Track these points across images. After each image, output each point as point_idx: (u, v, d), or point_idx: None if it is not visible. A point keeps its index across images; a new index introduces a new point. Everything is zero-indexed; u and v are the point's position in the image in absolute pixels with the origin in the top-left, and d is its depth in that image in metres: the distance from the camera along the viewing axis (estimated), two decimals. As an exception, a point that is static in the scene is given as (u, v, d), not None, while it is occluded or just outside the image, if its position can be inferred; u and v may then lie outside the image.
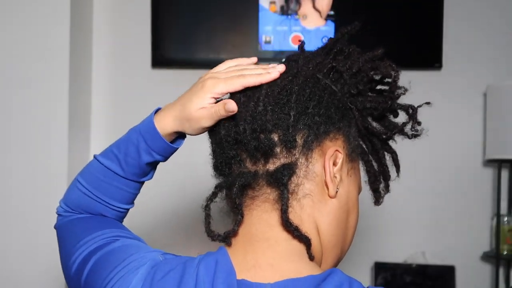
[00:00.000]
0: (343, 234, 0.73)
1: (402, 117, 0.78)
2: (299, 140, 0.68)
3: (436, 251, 2.15)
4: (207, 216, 0.72)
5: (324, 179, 0.69)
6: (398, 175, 0.80)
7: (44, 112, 2.00)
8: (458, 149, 2.16)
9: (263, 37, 2.17)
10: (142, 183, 0.88)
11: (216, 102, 0.74)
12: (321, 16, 2.14)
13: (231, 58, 0.86)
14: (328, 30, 2.15)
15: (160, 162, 0.84)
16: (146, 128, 0.79)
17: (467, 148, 2.16)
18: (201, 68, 2.29)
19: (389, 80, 0.74)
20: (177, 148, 0.82)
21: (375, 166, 0.80)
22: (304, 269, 0.66)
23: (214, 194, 0.72)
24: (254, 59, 0.81)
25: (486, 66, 2.19)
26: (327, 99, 0.70)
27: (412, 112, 0.75)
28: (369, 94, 0.75)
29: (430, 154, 2.16)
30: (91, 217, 0.86)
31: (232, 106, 0.69)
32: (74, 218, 0.86)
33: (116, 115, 2.25)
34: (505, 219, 2.07)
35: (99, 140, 2.25)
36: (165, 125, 0.78)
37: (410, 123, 0.76)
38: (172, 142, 0.81)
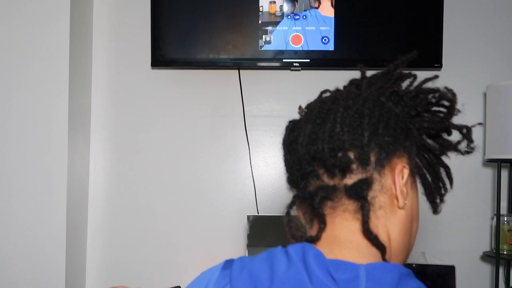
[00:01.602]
0: (408, 240, 0.82)
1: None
2: (372, 158, 0.75)
3: (436, 251, 2.15)
4: (289, 222, 0.80)
5: (394, 193, 0.77)
6: (451, 187, 0.89)
7: (44, 112, 2.00)
8: (458, 149, 2.15)
9: (263, 37, 2.17)
10: None
11: None
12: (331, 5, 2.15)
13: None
14: (328, 30, 2.15)
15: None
16: None
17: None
18: (201, 68, 2.29)
19: (446, 103, 0.83)
20: None
21: (429, 179, 0.88)
22: None
23: (292, 203, 0.80)
24: None
25: (486, 66, 2.19)
26: (393, 121, 0.78)
27: (466, 132, 0.85)
28: (425, 115, 0.84)
29: (430, 154, 2.16)
30: None
31: None
32: None
33: (116, 115, 2.25)
34: (505, 219, 2.07)
35: (99, 140, 2.25)
36: None
37: (465, 141, 0.85)
38: None
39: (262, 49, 2.17)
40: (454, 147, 0.85)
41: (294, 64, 2.17)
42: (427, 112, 0.84)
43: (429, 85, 0.84)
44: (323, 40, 2.16)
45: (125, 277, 2.22)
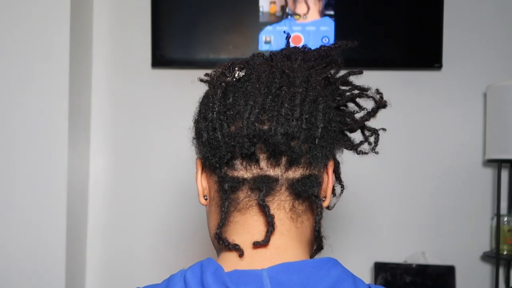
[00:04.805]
0: None
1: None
2: (319, 153, 0.67)
3: (436, 251, 2.15)
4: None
5: (326, 191, 0.71)
6: (340, 183, 0.83)
7: (44, 112, 2.00)
8: (458, 149, 2.16)
9: (263, 37, 2.17)
10: None
11: None
12: (318, 13, 2.15)
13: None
14: (328, 30, 2.15)
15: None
16: None
17: (467, 148, 2.16)
18: (201, 68, 2.29)
19: (370, 107, 0.79)
20: None
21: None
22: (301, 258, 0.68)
23: (229, 193, 0.70)
24: None
25: (486, 66, 2.19)
26: (333, 113, 0.70)
27: (376, 137, 0.82)
28: (344, 108, 0.79)
29: (430, 154, 2.16)
30: None
31: None
32: None
33: (116, 115, 2.25)
34: (505, 219, 2.07)
35: (99, 140, 2.25)
36: None
37: (369, 144, 0.82)
38: None
39: (262, 49, 2.17)
40: (355, 147, 0.81)
41: (294, 64, 2.17)
42: (345, 106, 0.79)
43: (353, 79, 0.79)
44: (323, 40, 2.16)
45: (125, 277, 2.22)
